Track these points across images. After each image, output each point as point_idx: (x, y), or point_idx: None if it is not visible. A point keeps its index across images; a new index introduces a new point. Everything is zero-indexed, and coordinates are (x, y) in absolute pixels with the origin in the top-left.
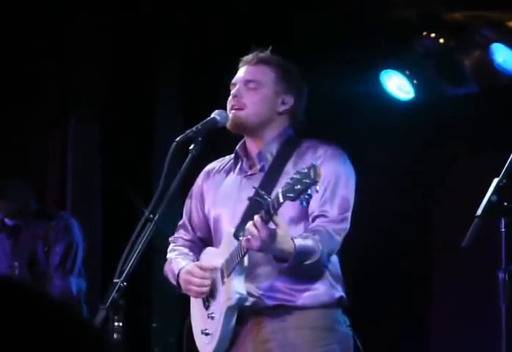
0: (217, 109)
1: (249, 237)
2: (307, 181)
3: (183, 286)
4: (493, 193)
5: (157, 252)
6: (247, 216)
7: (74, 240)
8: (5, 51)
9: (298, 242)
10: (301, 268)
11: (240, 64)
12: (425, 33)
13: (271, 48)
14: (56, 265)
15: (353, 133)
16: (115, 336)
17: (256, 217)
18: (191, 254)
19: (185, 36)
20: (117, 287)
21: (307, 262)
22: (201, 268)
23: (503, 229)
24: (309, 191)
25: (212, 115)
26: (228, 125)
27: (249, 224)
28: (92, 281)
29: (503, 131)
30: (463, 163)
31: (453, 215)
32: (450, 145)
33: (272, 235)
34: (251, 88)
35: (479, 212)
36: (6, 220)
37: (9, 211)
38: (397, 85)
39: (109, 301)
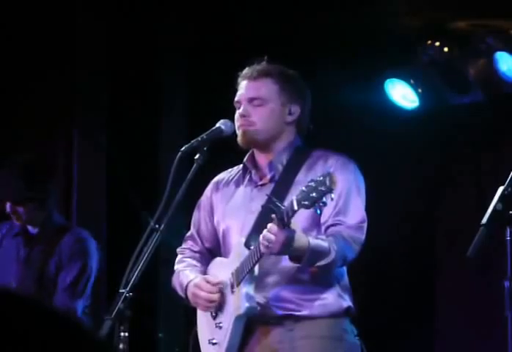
0: (222, 119)
1: (267, 243)
2: (323, 189)
3: (191, 299)
4: (498, 202)
5: (163, 262)
6: (258, 225)
7: (88, 264)
8: (8, 62)
9: (313, 240)
10: (311, 274)
11: (240, 80)
12: (429, 42)
13: (266, 58)
14: (66, 286)
15: (357, 142)
16: (121, 346)
17: (270, 225)
18: (198, 265)
19: (190, 46)
20: (123, 297)
21: (321, 263)
22: (209, 282)
23: (508, 238)
24: (324, 199)
25: (217, 125)
26: (239, 141)
27: (265, 231)
28: (98, 291)
29: (508, 139)
30: (468, 170)
31: (458, 224)
32: (455, 153)
33: (289, 237)
34: (256, 105)
35: (484, 220)
36: (29, 227)
37: (29, 218)
38: (402, 94)
39: (115, 311)
